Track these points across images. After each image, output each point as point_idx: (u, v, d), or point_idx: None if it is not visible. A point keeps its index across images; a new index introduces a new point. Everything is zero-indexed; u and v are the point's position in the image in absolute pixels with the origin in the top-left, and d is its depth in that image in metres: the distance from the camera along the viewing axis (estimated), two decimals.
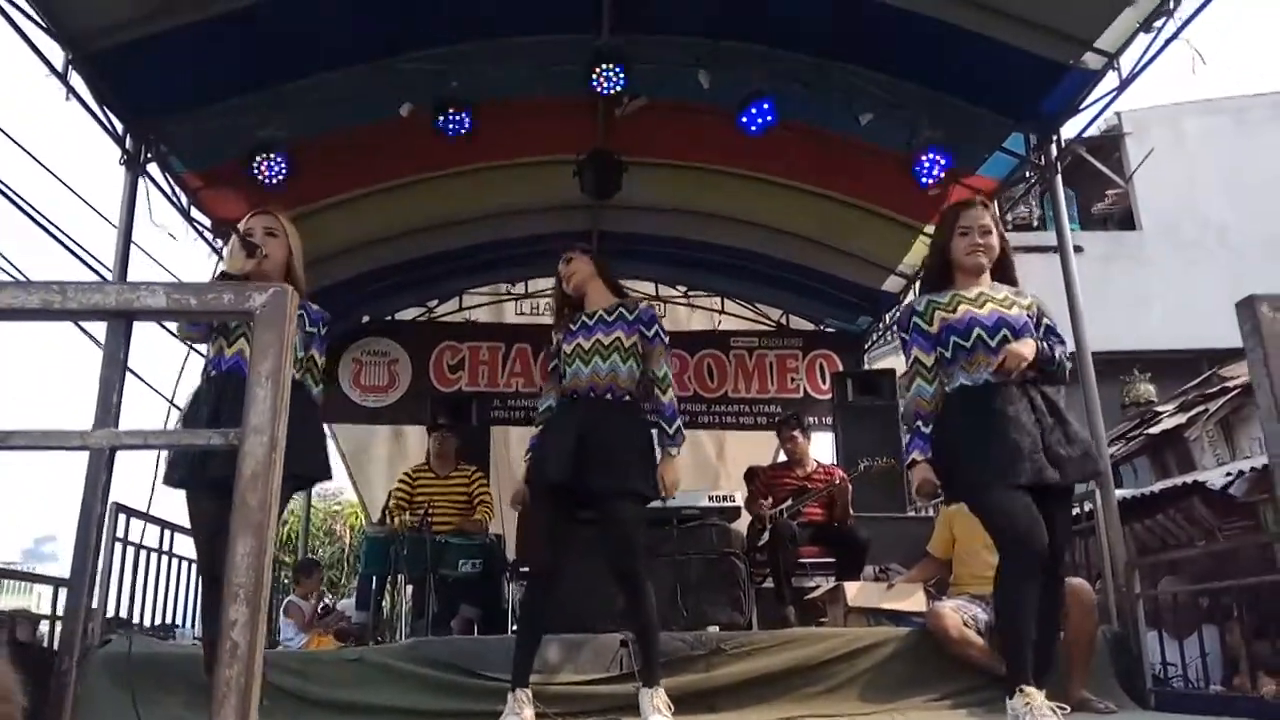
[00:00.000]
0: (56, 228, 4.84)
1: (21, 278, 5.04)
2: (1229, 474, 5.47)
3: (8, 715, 0.75)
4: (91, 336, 4.67)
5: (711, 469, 9.71)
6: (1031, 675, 2.88)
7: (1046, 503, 2.93)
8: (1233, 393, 7.53)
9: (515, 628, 4.55)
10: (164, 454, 2.96)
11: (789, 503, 5.74)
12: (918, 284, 7.20)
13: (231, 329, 3.04)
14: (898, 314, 3.30)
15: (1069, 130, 5.30)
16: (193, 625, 5.63)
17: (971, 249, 3.11)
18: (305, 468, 3.04)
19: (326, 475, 3.22)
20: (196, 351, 3.22)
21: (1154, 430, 8.05)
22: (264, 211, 3.26)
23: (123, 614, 4.55)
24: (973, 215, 3.18)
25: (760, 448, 8.44)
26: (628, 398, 3.38)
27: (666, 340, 3.52)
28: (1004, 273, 3.21)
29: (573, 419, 3.30)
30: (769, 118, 5.06)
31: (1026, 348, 2.96)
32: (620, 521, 3.23)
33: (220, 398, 2.97)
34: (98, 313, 0.93)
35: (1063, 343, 3.18)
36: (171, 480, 3.03)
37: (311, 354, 3.17)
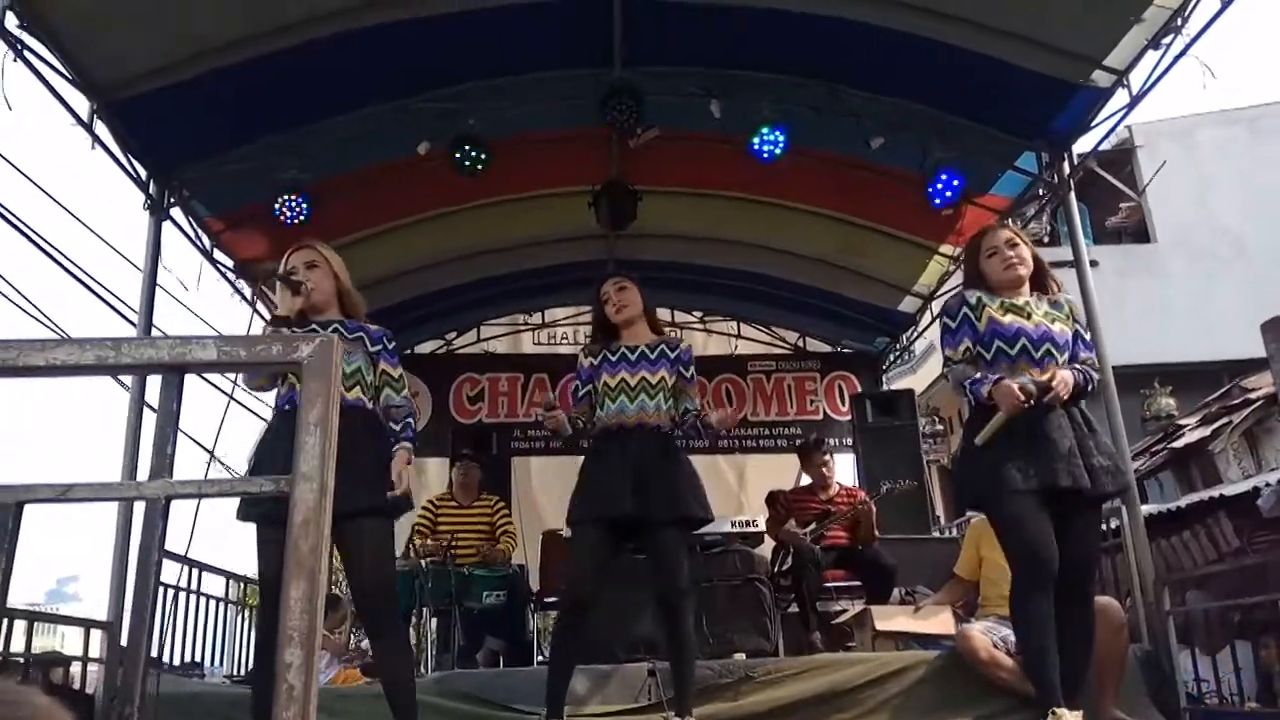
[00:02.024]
0: (84, 271, 4.92)
1: (48, 322, 5.14)
2: (1255, 486, 5.42)
3: None
4: (120, 381, 4.73)
5: (733, 496, 9.67)
6: (1062, 695, 2.86)
7: (1078, 512, 2.93)
8: (1256, 404, 7.48)
9: (548, 657, 4.55)
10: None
11: (813, 526, 5.72)
12: (932, 305, 7.28)
13: None
14: (947, 300, 3.27)
15: (1081, 146, 5.32)
16: (220, 664, 5.66)
17: (1006, 264, 3.15)
18: (400, 500, 3.07)
19: (408, 507, 3.21)
20: (243, 404, 3.27)
21: (1177, 444, 7.99)
22: (301, 246, 3.28)
23: (152, 653, 4.58)
24: (996, 236, 3.24)
25: (781, 472, 8.42)
26: (667, 430, 3.51)
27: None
28: (1040, 282, 3.24)
29: (625, 454, 3.36)
30: (780, 146, 5.10)
31: (1068, 375, 3.00)
32: (673, 548, 3.35)
33: (294, 432, 3.00)
34: (151, 367, 0.96)
35: (1090, 348, 3.22)
36: (244, 515, 3.04)
37: (383, 369, 3.18)
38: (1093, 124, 5.04)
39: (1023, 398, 2.86)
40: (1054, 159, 5.28)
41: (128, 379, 4.42)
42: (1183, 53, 4.32)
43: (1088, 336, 3.27)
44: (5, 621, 3.72)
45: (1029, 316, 3.08)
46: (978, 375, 3.02)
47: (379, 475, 2.98)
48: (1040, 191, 5.70)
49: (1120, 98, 4.79)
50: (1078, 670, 2.93)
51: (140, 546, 0.94)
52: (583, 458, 3.66)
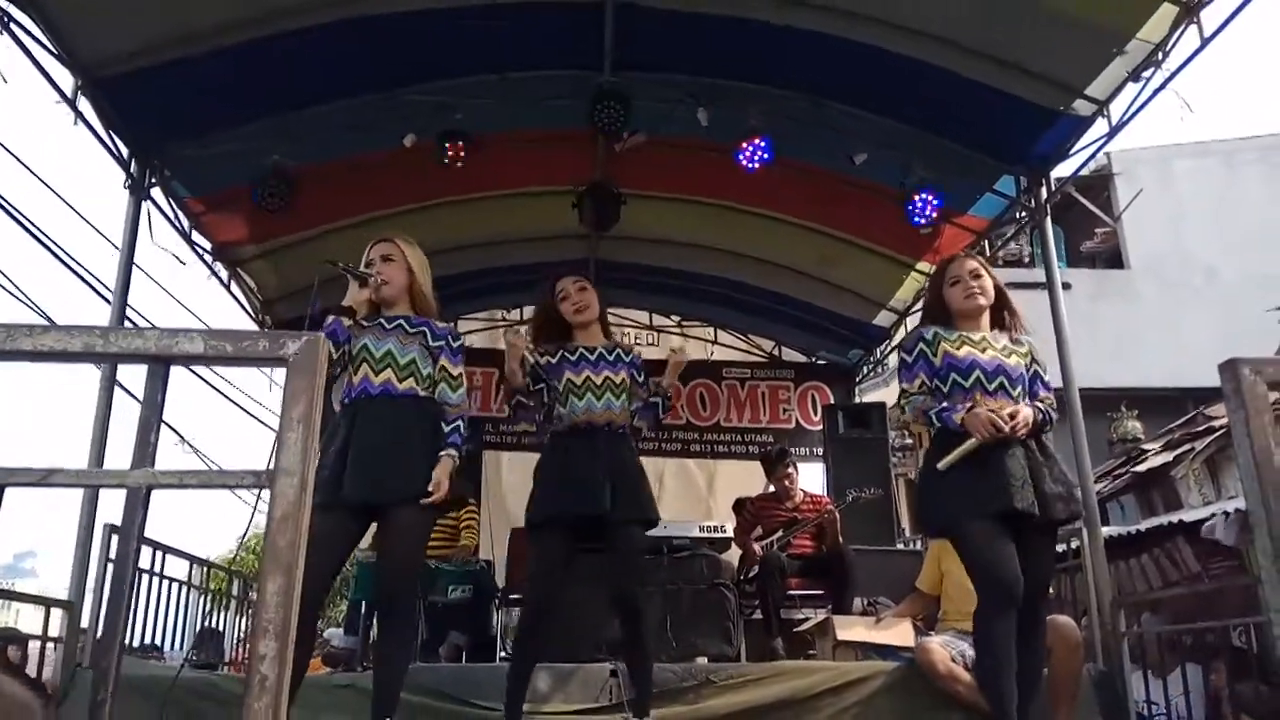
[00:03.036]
0: (59, 247, 4.87)
1: (24, 299, 5.09)
2: (1214, 514, 5.53)
3: None
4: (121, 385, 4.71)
5: (702, 501, 9.74)
6: (1015, 713, 2.91)
7: (1030, 538, 2.99)
8: (1218, 433, 7.60)
9: (508, 655, 4.55)
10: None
11: (779, 534, 5.77)
12: (907, 320, 7.36)
13: (377, 358, 3.11)
14: (904, 337, 3.35)
15: (1059, 172, 5.41)
16: (179, 647, 5.62)
17: (968, 294, 3.21)
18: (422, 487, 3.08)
19: (459, 494, 3.30)
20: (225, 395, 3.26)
21: (1140, 468, 8.12)
22: (383, 239, 3.32)
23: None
24: (962, 265, 3.30)
25: (751, 477, 8.45)
26: (625, 431, 3.51)
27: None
28: (1001, 318, 3.29)
29: (592, 452, 3.34)
30: (765, 156, 5.15)
31: (1028, 412, 3.06)
32: (633, 548, 3.36)
33: (354, 418, 3.07)
34: (138, 357, 0.98)
35: (1049, 389, 3.26)
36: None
37: (443, 364, 3.21)
38: (1071, 151, 5.13)
39: (995, 429, 2.94)
40: (1032, 183, 5.37)
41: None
42: (1162, 86, 4.41)
43: (1046, 378, 3.29)
44: None
45: (984, 350, 3.15)
46: (944, 404, 3.09)
47: (423, 466, 3.03)
48: (1018, 214, 5.79)
49: (1100, 127, 4.88)
50: (1030, 689, 2.98)
51: (120, 534, 0.95)
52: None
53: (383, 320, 3.20)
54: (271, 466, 0.96)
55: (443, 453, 3.13)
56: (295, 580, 0.92)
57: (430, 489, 3.04)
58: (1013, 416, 3.01)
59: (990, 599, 2.95)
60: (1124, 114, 4.69)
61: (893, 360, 9.39)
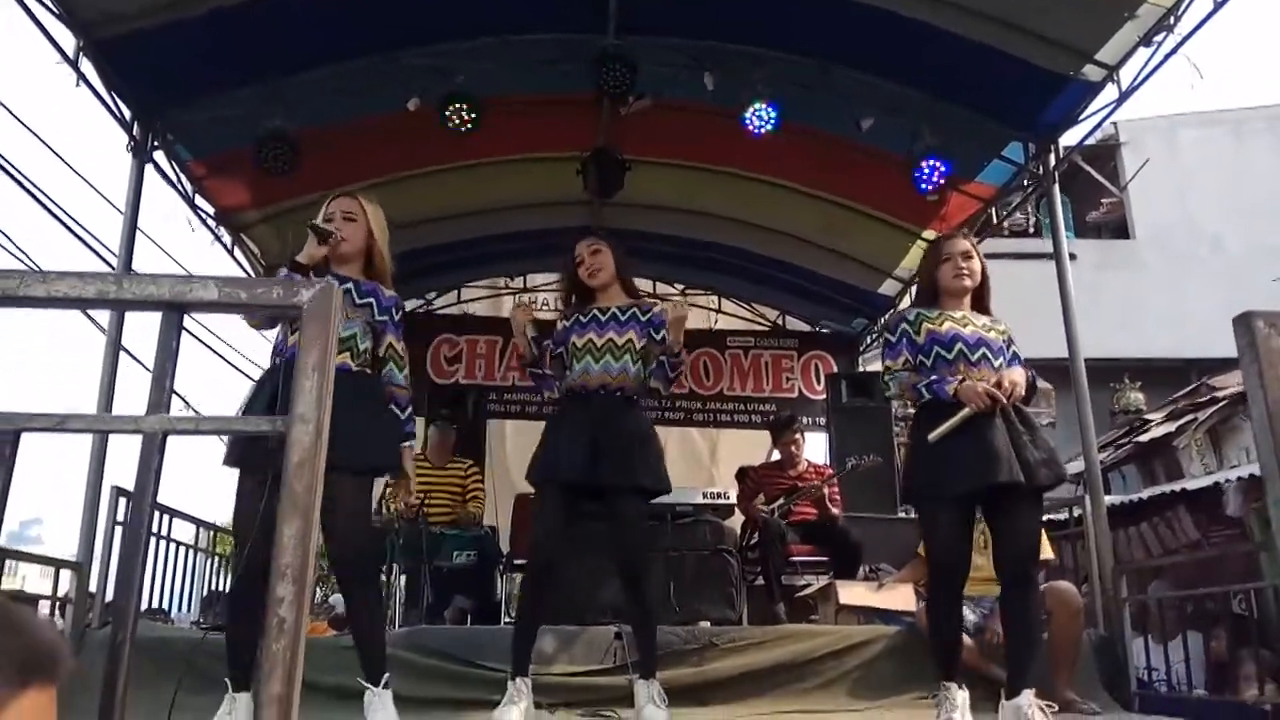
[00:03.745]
0: (65, 212, 4.86)
1: (28, 262, 5.08)
2: (1219, 481, 5.55)
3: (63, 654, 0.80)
4: (95, 322, 4.70)
5: (704, 468, 9.76)
6: (1014, 677, 3.01)
7: (1015, 505, 3.05)
8: (1221, 403, 7.62)
9: (513, 618, 4.59)
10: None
11: (781, 501, 5.80)
12: (911, 289, 7.34)
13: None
14: (887, 318, 3.44)
15: (1067, 139, 5.37)
16: (188, 610, 5.68)
17: (956, 273, 3.31)
18: (381, 458, 3.02)
19: (398, 463, 3.13)
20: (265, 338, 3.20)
21: (1143, 438, 8.14)
22: (345, 195, 3.19)
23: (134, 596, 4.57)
24: (955, 244, 3.40)
25: (754, 447, 8.50)
26: (635, 396, 3.45)
27: None
28: (981, 302, 3.41)
29: (585, 416, 3.32)
30: (772, 122, 5.11)
31: (1019, 375, 3.13)
32: (630, 517, 3.31)
33: (284, 382, 2.95)
34: (152, 304, 0.98)
35: (1024, 367, 3.31)
36: (229, 460, 3.00)
37: (389, 341, 3.12)
38: (1081, 117, 5.09)
39: (990, 399, 3.02)
40: (1040, 150, 5.33)
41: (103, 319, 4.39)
42: (1173, 51, 4.36)
43: (1021, 359, 3.37)
44: None
45: (965, 325, 3.26)
46: (934, 377, 3.17)
47: (364, 435, 2.89)
48: (1025, 182, 5.75)
49: (1109, 93, 4.84)
50: (1028, 652, 3.03)
51: (136, 480, 0.95)
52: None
53: (331, 278, 3.02)
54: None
55: (405, 444, 3.11)
56: (312, 524, 0.92)
57: (409, 486, 3.11)
58: (1005, 384, 3.07)
59: (935, 577, 3.24)
60: (1134, 79, 4.65)
61: None
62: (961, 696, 3.08)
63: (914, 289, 7.21)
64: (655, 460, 3.41)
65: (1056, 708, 3.03)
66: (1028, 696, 2.87)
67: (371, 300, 3.11)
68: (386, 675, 2.90)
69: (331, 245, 3.01)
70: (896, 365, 3.28)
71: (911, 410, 3.59)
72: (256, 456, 2.83)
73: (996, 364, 3.19)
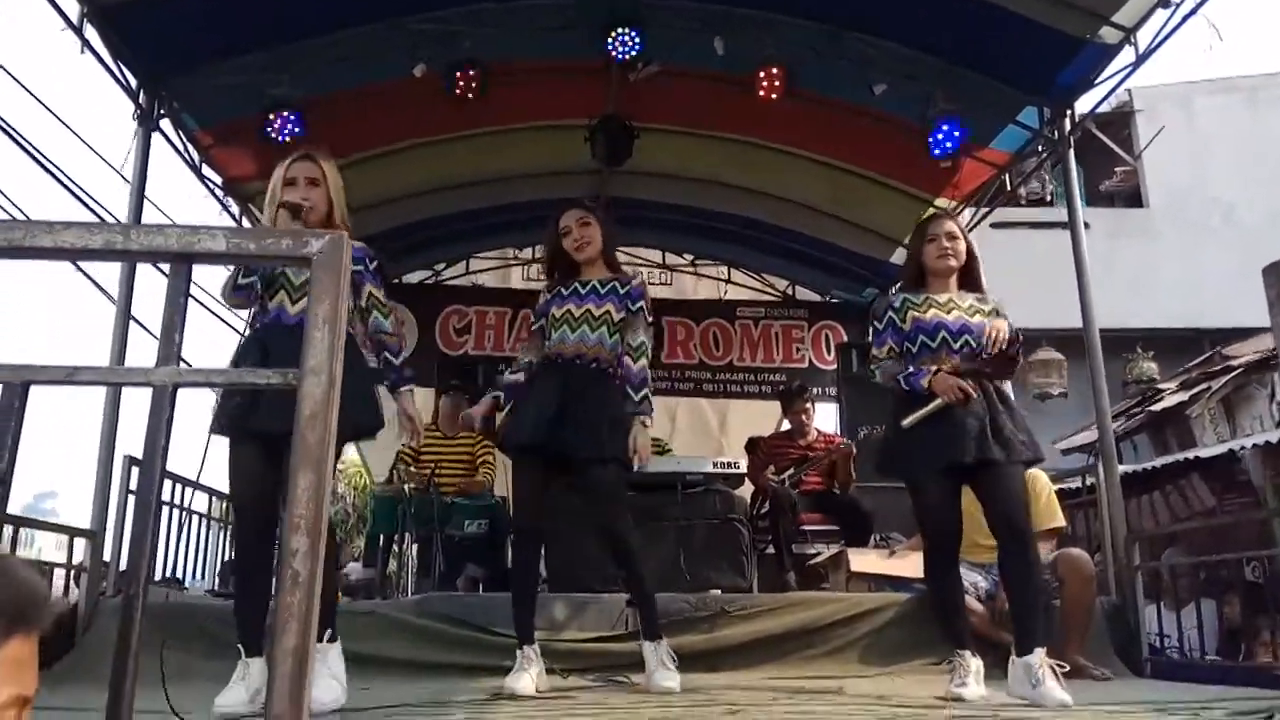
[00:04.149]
0: (73, 182, 4.84)
1: None
2: (1231, 450, 5.52)
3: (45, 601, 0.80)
4: (90, 278, 4.69)
5: (714, 439, 9.75)
6: (1022, 637, 3.01)
7: (996, 474, 3.09)
8: (1235, 372, 7.57)
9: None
10: (212, 405, 2.95)
11: (791, 471, 5.80)
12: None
13: (296, 286, 2.91)
14: (874, 304, 3.49)
15: (1082, 105, 5.29)
16: (202, 578, 5.72)
17: (940, 254, 3.34)
18: (359, 417, 2.91)
19: (379, 424, 3.03)
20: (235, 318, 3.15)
21: (1155, 408, 8.10)
22: (306, 156, 3.08)
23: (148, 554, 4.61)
24: (940, 225, 3.44)
25: (763, 418, 8.48)
26: (609, 369, 3.43)
27: (650, 316, 3.53)
28: (970, 279, 3.43)
29: (555, 384, 3.32)
30: (782, 87, 5.04)
31: (1002, 324, 3.20)
32: (600, 486, 3.30)
33: (266, 350, 2.88)
34: (159, 255, 0.96)
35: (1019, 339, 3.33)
36: (216, 428, 2.98)
37: (369, 290, 3.04)
38: (1096, 81, 5.00)
39: (961, 393, 3.11)
40: (1055, 115, 5.25)
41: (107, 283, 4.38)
42: (1192, 12, 4.28)
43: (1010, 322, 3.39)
44: None
45: (950, 310, 3.30)
46: (910, 369, 3.24)
47: (350, 398, 2.87)
48: (1039, 148, 5.68)
49: (1126, 55, 4.76)
50: (1032, 610, 3.04)
51: (147, 433, 0.94)
52: None
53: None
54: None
55: (404, 388, 3.06)
56: (325, 476, 0.91)
57: (410, 427, 3.04)
58: (991, 333, 3.17)
59: (932, 547, 3.30)
60: (1152, 41, 4.57)
61: None
62: (975, 664, 3.11)
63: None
64: (622, 436, 3.35)
65: (1067, 668, 3.03)
66: (1039, 655, 2.88)
67: None
68: (330, 630, 2.84)
69: (302, 218, 2.94)
70: (881, 354, 3.37)
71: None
72: (243, 421, 2.83)
73: (978, 348, 3.24)
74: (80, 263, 4.06)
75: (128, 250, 0.96)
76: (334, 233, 0.98)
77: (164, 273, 0.99)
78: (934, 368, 3.20)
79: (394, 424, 3.13)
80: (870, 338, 3.48)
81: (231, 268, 2.96)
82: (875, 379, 3.40)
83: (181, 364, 0.97)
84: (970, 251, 3.40)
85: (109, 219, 5.36)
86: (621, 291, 3.45)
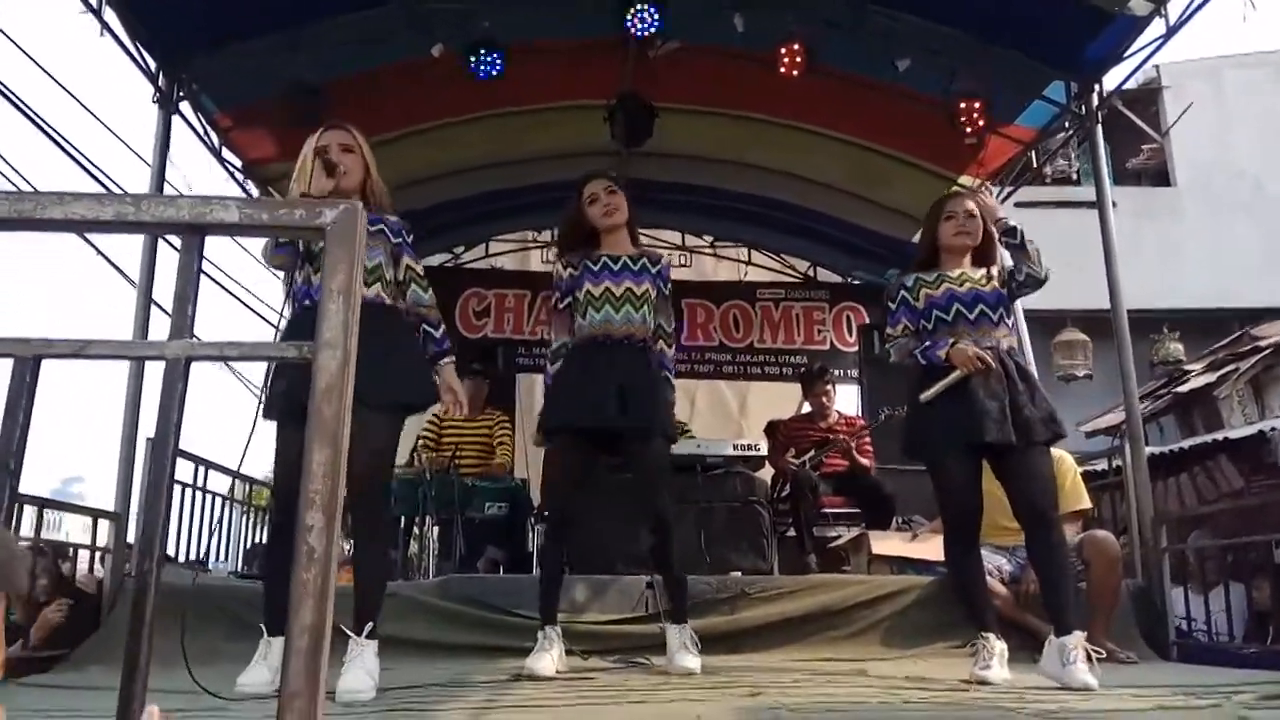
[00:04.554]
0: (92, 163, 4.85)
1: None
2: (1261, 430, 5.43)
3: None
4: (96, 249, 4.69)
5: (734, 421, 9.73)
6: (1054, 619, 3.00)
7: (1020, 455, 3.08)
8: (1265, 352, 7.46)
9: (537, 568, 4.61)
10: (262, 393, 2.97)
11: (812, 453, 5.76)
12: None
13: (313, 254, 2.86)
14: (889, 285, 3.47)
15: (1111, 80, 5.19)
16: (226, 560, 5.77)
17: (958, 231, 3.35)
18: (413, 395, 2.94)
19: (433, 399, 3.07)
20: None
21: (1182, 389, 7.99)
22: (338, 126, 3.07)
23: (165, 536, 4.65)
24: (960, 203, 3.44)
25: (784, 400, 8.43)
26: (648, 345, 3.43)
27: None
28: (985, 256, 3.41)
29: (607, 363, 3.29)
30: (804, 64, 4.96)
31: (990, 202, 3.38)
32: (650, 462, 3.31)
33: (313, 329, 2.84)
34: (171, 226, 0.94)
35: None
36: (269, 414, 2.95)
37: (406, 264, 3.03)
38: (1125, 55, 4.90)
39: (979, 363, 3.10)
40: (1083, 90, 5.15)
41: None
42: None
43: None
44: (16, 506, 3.77)
45: (962, 284, 3.30)
46: (927, 343, 3.24)
47: (395, 373, 2.83)
48: (1066, 124, 5.58)
49: (1156, 28, 4.65)
50: (1062, 593, 3.02)
51: (160, 406, 0.92)
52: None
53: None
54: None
55: (445, 360, 3.04)
56: (341, 451, 0.89)
57: (452, 399, 3.02)
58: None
59: (951, 528, 3.29)
60: (1183, 13, 4.46)
61: None
62: (999, 647, 3.08)
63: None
64: (670, 409, 3.47)
65: (1104, 654, 2.99)
66: (1077, 637, 2.86)
67: (382, 226, 3.01)
68: (371, 625, 2.76)
69: (336, 180, 2.91)
70: (896, 332, 3.37)
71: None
72: (296, 406, 2.80)
73: (995, 316, 3.26)
74: (93, 236, 4.07)
75: (139, 222, 0.94)
76: (348, 202, 0.95)
77: (174, 247, 0.98)
78: (951, 340, 3.18)
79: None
80: (886, 317, 3.47)
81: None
82: (891, 358, 3.39)
83: (195, 338, 0.96)
84: (988, 233, 3.38)
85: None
86: (653, 271, 3.45)
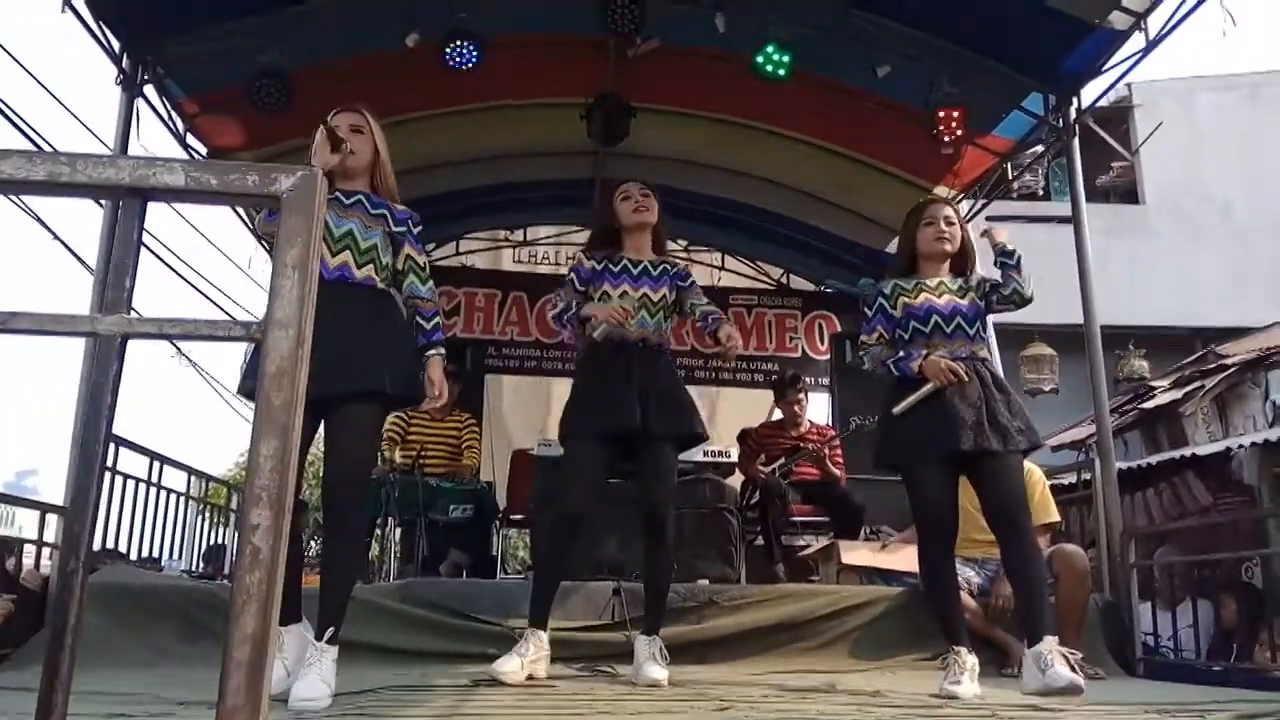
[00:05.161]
0: (50, 146, 4.69)
1: (17, 203, 4.93)
2: (1230, 448, 5.46)
3: None
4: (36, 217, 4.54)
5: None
6: (1029, 626, 2.98)
7: (994, 462, 3.05)
8: (1230, 370, 7.53)
9: (533, 568, 4.50)
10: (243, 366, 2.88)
11: (782, 461, 5.71)
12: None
13: (336, 238, 2.78)
14: (865, 291, 3.45)
15: (1087, 94, 5.20)
16: (180, 558, 5.61)
17: (937, 237, 3.33)
18: (399, 388, 2.80)
19: (421, 397, 2.94)
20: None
21: (1148, 405, 8.05)
22: (350, 108, 2.99)
23: (107, 544, 4.51)
24: (939, 210, 3.42)
25: (754, 407, 8.39)
26: (667, 349, 3.46)
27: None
28: (962, 265, 3.41)
29: (625, 369, 3.26)
30: (784, 68, 4.92)
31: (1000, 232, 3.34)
32: (663, 465, 3.29)
33: (320, 311, 2.70)
34: (110, 189, 0.85)
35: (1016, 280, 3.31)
36: (245, 390, 2.87)
37: (407, 253, 2.94)
38: (1104, 68, 4.92)
39: (952, 374, 3.08)
40: (1060, 103, 5.16)
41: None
42: None
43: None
44: None
45: (940, 295, 3.27)
46: (900, 354, 3.23)
47: (381, 359, 2.75)
48: (1043, 136, 5.59)
49: (1136, 42, 4.67)
50: (1036, 600, 2.98)
51: (91, 389, 0.83)
52: (576, 368, 3.55)
53: (340, 194, 2.84)
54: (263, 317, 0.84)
55: (431, 352, 2.94)
56: (291, 444, 0.80)
57: (434, 393, 2.90)
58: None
59: (926, 538, 3.23)
60: (1163, 27, 4.48)
61: None
62: (971, 661, 3.06)
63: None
64: (694, 408, 3.45)
65: (1080, 655, 2.95)
66: (1049, 642, 2.81)
67: (385, 212, 2.91)
68: (333, 630, 2.62)
69: (341, 156, 2.81)
70: (871, 340, 3.35)
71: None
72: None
73: (972, 330, 3.25)
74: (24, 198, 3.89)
75: (74, 183, 0.85)
76: (306, 169, 0.87)
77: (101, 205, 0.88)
78: (924, 351, 3.17)
79: None
80: (861, 325, 3.44)
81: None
82: (865, 365, 3.36)
83: (133, 313, 0.87)
84: (965, 241, 3.37)
85: None
86: (672, 273, 3.45)
